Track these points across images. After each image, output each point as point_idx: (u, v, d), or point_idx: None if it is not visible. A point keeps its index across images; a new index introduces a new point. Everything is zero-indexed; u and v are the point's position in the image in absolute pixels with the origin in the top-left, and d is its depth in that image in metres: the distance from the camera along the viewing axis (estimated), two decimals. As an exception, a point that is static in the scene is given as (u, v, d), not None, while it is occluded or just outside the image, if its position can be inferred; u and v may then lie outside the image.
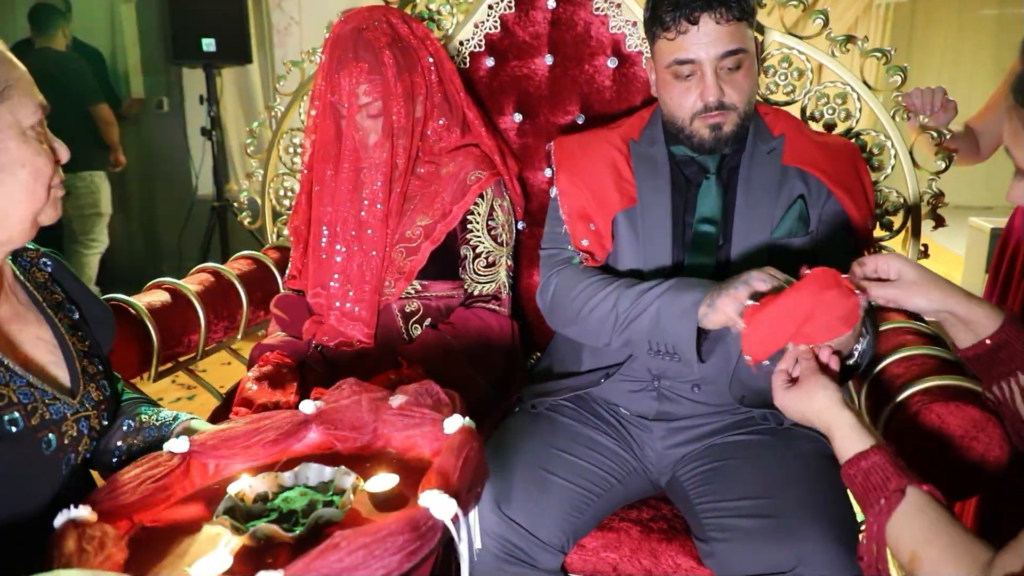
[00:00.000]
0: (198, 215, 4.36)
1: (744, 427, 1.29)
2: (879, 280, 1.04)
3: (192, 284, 1.64)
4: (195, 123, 4.49)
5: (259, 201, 2.01)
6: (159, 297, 1.56)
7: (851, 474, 0.90)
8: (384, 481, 0.85)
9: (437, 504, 0.71)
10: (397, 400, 0.96)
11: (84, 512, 0.78)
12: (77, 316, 1.10)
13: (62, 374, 1.00)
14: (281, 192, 1.98)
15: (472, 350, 1.44)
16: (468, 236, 1.53)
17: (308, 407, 0.99)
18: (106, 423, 1.04)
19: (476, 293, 1.55)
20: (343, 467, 0.87)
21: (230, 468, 0.94)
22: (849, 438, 0.91)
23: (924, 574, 0.77)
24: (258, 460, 0.95)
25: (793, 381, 1.01)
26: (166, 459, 0.91)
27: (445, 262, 1.55)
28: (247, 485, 0.85)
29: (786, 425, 1.27)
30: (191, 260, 2.48)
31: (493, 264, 1.54)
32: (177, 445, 0.92)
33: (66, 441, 0.94)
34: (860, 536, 1.11)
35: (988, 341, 0.98)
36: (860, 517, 1.16)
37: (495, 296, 1.55)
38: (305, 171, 1.60)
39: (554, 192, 1.44)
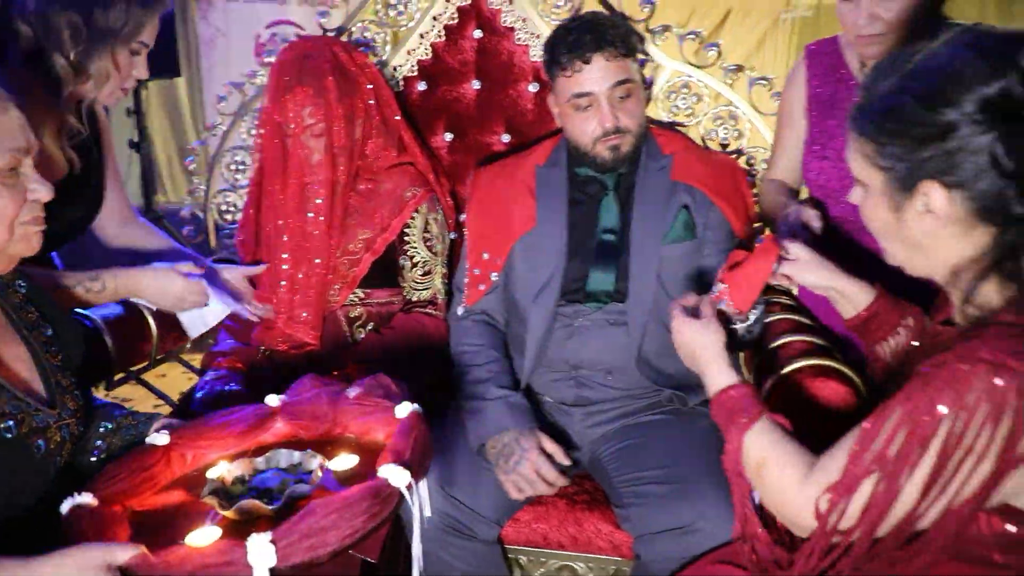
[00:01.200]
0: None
1: (653, 409, 1.49)
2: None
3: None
4: (120, 135, 4.46)
5: (201, 216, 2.10)
6: (112, 310, 1.65)
7: (721, 400, 1.03)
8: (346, 461, 0.99)
9: (394, 475, 0.87)
10: (353, 391, 1.10)
11: (87, 498, 0.90)
12: (50, 333, 1.19)
13: (40, 388, 1.10)
14: (224, 207, 2.07)
15: (412, 351, 1.60)
16: (406, 247, 1.68)
17: (273, 401, 1.13)
18: (82, 429, 1.14)
19: (414, 299, 1.70)
20: (309, 450, 1.01)
21: (206, 457, 1.07)
22: (723, 372, 1.06)
23: (767, 476, 0.95)
24: (231, 449, 1.08)
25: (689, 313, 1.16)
26: (149, 451, 1.03)
27: (385, 272, 1.69)
28: (225, 470, 0.99)
29: (689, 407, 1.47)
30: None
31: (429, 272, 1.70)
32: (158, 439, 1.05)
33: (52, 446, 1.04)
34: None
35: (864, 312, 1.18)
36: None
37: (431, 301, 1.70)
38: (251, 187, 1.72)
39: (462, 218, 1.62)
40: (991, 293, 0.88)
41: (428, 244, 1.69)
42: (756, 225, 1.67)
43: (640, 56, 1.58)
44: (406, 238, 1.68)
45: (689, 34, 1.77)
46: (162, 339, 1.73)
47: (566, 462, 1.39)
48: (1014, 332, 0.82)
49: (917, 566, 0.88)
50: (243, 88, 1.98)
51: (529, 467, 1.35)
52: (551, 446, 1.38)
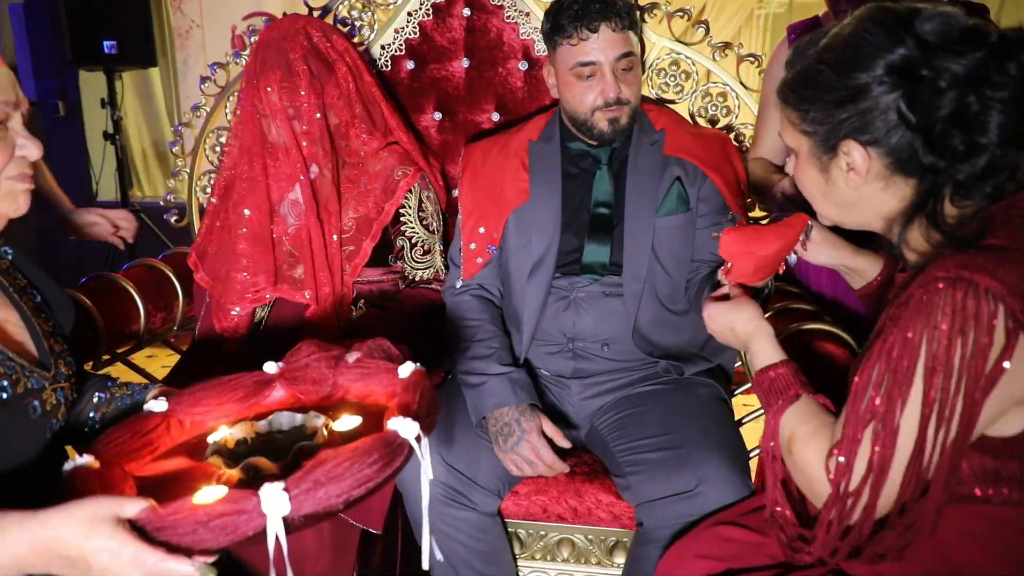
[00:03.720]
0: (100, 221, 4.24)
1: (650, 380, 1.49)
2: None
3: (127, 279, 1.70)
4: (94, 127, 4.38)
5: (184, 198, 2.07)
6: (98, 291, 1.62)
7: (760, 380, 1.05)
8: (349, 421, 0.98)
9: (403, 427, 0.85)
10: (353, 356, 1.09)
11: (88, 459, 0.88)
12: (39, 299, 1.17)
13: (33, 350, 1.08)
14: (208, 191, 2.04)
15: (416, 322, 1.59)
16: (403, 228, 1.67)
17: (271, 367, 1.11)
18: (76, 395, 1.12)
19: (417, 279, 1.69)
20: (312, 411, 0.99)
21: (205, 424, 1.05)
22: (765, 350, 1.08)
23: (795, 453, 0.97)
24: (230, 416, 1.06)
25: (719, 300, 1.17)
26: (147, 418, 1.01)
27: (375, 251, 1.68)
28: (227, 433, 0.97)
29: (686, 375, 1.48)
30: (91, 268, 2.46)
31: (429, 251, 1.69)
32: (157, 405, 1.02)
33: (48, 408, 1.02)
34: (751, 453, 1.33)
35: (875, 281, 1.22)
36: (750, 445, 1.38)
37: (435, 279, 1.70)
38: (224, 172, 1.70)
39: (455, 193, 1.61)
40: (920, 240, 0.95)
41: (424, 223, 1.68)
42: (748, 200, 1.68)
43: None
44: (402, 219, 1.66)
45: (678, 11, 1.78)
46: (150, 320, 1.70)
47: (566, 444, 1.39)
48: (959, 251, 0.87)
49: (928, 519, 0.88)
50: (227, 67, 1.96)
51: (528, 449, 1.35)
52: (551, 429, 1.38)
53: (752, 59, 1.77)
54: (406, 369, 1.02)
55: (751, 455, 1.37)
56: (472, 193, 1.59)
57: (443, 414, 1.44)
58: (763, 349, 1.08)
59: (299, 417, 1.00)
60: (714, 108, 1.81)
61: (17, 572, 0.77)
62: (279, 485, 0.76)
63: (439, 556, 1.14)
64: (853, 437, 0.88)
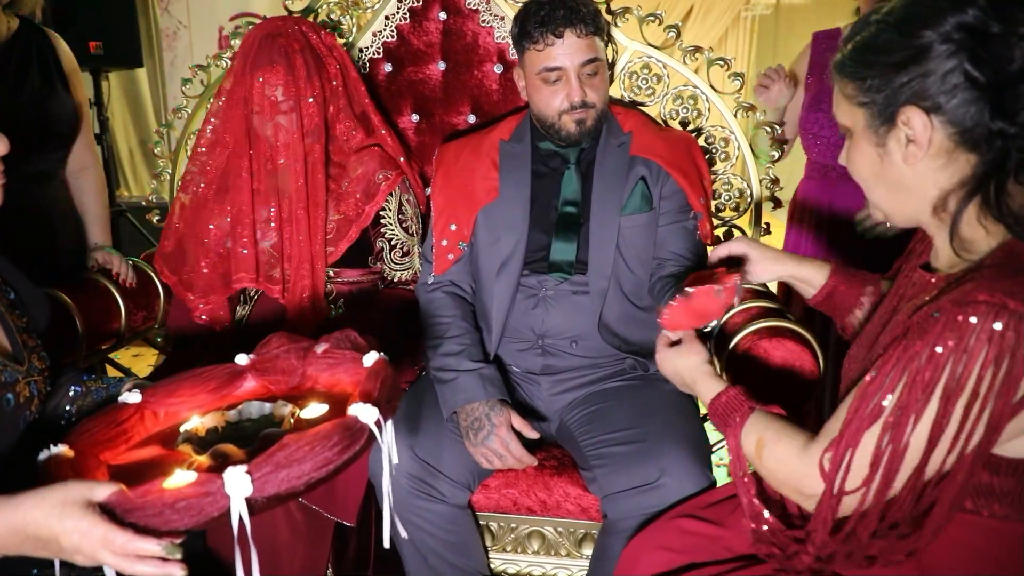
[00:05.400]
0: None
1: (617, 376, 1.53)
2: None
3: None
4: (81, 128, 4.39)
5: (167, 199, 2.10)
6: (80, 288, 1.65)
7: (714, 408, 1.08)
8: (316, 409, 1.02)
9: (363, 412, 0.90)
10: (321, 347, 1.13)
11: (62, 448, 0.91)
12: (13, 296, 1.20)
13: (6, 344, 1.11)
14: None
15: (394, 321, 1.62)
16: (383, 231, 1.70)
17: (242, 359, 1.15)
18: (49, 388, 1.15)
19: (396, 280, 1.72)
20: (280, 400, 1.03)
21: (178, 415, 1.09)
22: (709, 383, 1.11)
23: (766, 454, 0.98)
24: (202, 406, 1.10)
25: (673, 344, 1.21)
26: (122, 409, 1.04)
27: (355, 252, 1.71)
28: (198, 423, 1.00)
29: (651, 372, 1.52)
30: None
31: (408, 253, 1.73)
32: (131, 397, 1.06)
33: (21, 400, 1.05)
34: (713, 454, 1.36)
35: (824, 288, 1.23)
36: (712, 439, 1.42)
37: (414, 280, 1.73)
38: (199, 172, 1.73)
39: (427, 192, 1.64)
40: (974, 229, 0.89)
41: (404, 226, 1.72)
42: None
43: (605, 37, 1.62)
44: (382, 221, 1.70)
45: (649, 16, 1.82)
46: (131, 317, 1.73)
47: (534, 435, 1.43)
48: (1006, 273, 0.83)
49: (935, 524, 0.88)
50: (208, 70, 1.99)
51: (498, 442, 1.38)
52: (519, 422, 1.42)
53: (722, 63, 1.81)
54: (370, 358, 1.06)
55: (714, 449, 1.42)
56: (444, 191, 1.62)
57: (414, 408, 1.48)
58: (706, 384, 1.11)
59: (268, 406, 1.04)
60: (685, 111, 1.85)
61: None
62: (242, 468, 0.80)
63: (403, 534, 1.18)
64: (853, 437, 0.87)
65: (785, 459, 0.95)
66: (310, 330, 1.62)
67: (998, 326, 0.78)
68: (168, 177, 2.08)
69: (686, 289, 1.15)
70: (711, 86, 1.84)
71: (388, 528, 1.00)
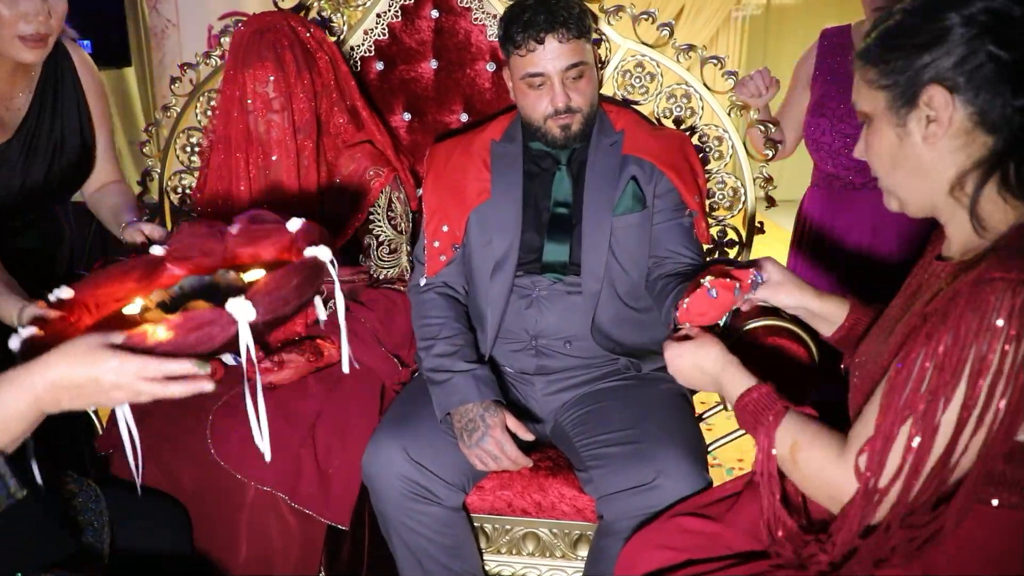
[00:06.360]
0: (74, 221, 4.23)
1: (611, 376, 1.52)
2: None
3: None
4: (69, 128, 4.34)
5: (156, 199, 2.08)
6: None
7: (743, 404, 1.05)
8: (257, 274, 1.07)
9: (319, 252, 1.00)
10: (235, 227, 1.16)
11: (32, 330, 0.96)
12: None
13: None
14: (180, 190, 2.05)
15: (381, 323, 1.60)
16: (371, 227, 1.69)
17: (157, 250, 1.17)
18: None
19: (382, 278, 1.70)
20: (220, 270, 1.08)
21: (109, 306, 1.09)
22: (737, 378, 1.08)
23: (801, 459, 0.96)
24: (131, 295, 1.11)
25: (681, 340, 1.18)
26: (58, 304, 1.04)
27: (346, 250, 1.69)
28: (144, 302, 1.04)
29: (645, 372, 1.51)
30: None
31: (395, 251, 1.71)
32: (63, 292, 1.06)
33: None
34: (710, 455, 1.35)
35: (845, 324, 1.20)
36: (708, 439, 1.41)
37: (400, 279, 1.71)
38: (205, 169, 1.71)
39: (419, 193, 1.63)
40: (996, 205, 0.90)
41: (393, 223, 1.70)
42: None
43: (594, 36, 1.61)
44: (371, 217, 1.68)
45: (643, 14, 1.81)
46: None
47: (529, 437, 1.41)
48: (1020, 251, 0.83)
49: (957, 511, 0.88)
50: (197, 68, 1.97)
51: (493, 444, 1.37)
52: (514, 423, 1.40)
53: (715, 61, 1.80)
54: (295, 223, 1.10)
55: (710, 450, 1.41)
56: (436, 192, 1.61)
57: (408, 410, 1.47)
58: (735, 378, 1.08)
59: (207, 277, 1.09)
60: (678, 109, 1.84)
61: (37, 413, 0.85)
62: (241, 297, 0.87)
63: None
64: (889, 434, 0.86)
65: (823, 465, 0.94)
66: (301, 333, 1.61)
67: (1018, 299, 0.79)
68: (157, 176, 2.05)
69: (703, 281, 1.14)
70: (704, 84, 1.83)
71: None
